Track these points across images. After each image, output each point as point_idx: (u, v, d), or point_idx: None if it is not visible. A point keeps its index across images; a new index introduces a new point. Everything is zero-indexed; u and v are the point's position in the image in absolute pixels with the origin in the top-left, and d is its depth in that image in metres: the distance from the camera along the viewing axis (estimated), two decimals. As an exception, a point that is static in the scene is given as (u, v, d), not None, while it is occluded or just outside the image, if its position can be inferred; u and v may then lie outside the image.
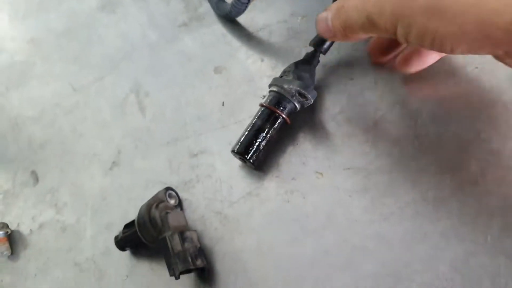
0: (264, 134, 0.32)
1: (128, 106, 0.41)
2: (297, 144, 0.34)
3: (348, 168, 0.32)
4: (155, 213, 0.31)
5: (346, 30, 0.27)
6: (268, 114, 0.33)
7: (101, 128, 0.40)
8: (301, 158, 0.33)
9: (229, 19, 0.42)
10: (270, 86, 0.34)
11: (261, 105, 0.33)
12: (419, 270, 0.27)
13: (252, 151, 0.32)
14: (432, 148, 0.29)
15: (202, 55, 0.41)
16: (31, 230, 0.38)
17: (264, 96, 0.38)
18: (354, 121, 0.32)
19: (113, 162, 0.38)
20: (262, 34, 0.40)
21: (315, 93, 0.32)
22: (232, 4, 0.37)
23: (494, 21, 0.20)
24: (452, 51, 0.22)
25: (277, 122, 0.33)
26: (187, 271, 0.30)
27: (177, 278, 0.29)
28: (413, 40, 0.23)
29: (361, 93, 0.33)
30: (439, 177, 0.29)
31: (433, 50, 0.23)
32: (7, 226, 0.37)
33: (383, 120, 0.31)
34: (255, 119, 0.33)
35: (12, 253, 0.37)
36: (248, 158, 0.32)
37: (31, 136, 0.42)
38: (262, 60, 0.39)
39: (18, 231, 0.38)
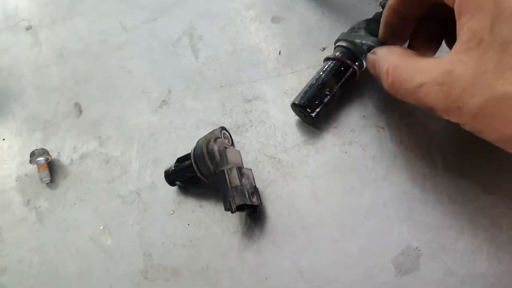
0: (329, 90, 0.31)
1: (180, 48, 0.40)
2: (356, 97, 0.33)
3: (411, 123, 0.31)
4: (214, 146, 0.30)
5: None
6: (334, 69, 0.31)
7: (151, 67, 0.39)
8: (361, 111, 0.33)
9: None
10: (337, 41, 0.33)
11: (328, 59, 0.32)
12: (483, 225, 0.27)
13: (316, 105, 0.31)
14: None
15: (259, 4, 0.40)
16: (71, 160, 0.37)
17: (324, 48, 0.37)
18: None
19: (163, 101, 0.37)
20: (323, -11, 0.39)
21: None
22: None
23: None
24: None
25: (344, 78, 0.31)
26: (240, 208, 0.29)
27: (233, 211, 0.28)
28: None
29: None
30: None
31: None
32: (48, 153, 0.36)
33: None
34: (320, 73, 0.32)
35: (51, 181, 0.36)
36: (310, 112, 0.31)
37: (76, 69, 0.41)
38: (323, 13, 0.38)
39: (58, 160, 0.37)
